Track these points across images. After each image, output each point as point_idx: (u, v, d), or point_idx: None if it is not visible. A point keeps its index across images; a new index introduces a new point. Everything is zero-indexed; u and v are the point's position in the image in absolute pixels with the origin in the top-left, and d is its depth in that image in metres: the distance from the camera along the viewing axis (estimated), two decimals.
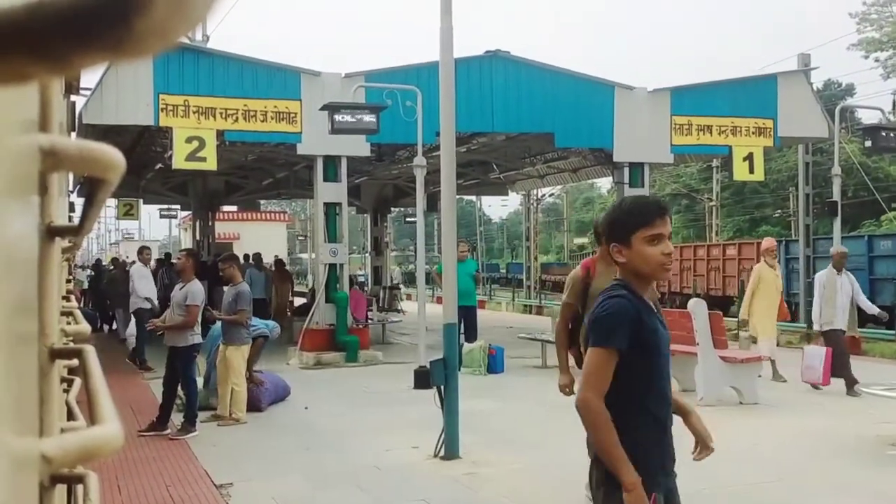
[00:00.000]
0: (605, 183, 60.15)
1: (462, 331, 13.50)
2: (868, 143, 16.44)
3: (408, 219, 33.86)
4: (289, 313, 20.27)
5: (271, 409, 10.98)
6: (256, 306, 17.68)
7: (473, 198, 50.09)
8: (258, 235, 47.46)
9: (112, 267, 25.27)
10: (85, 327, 2.00)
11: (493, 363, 14.11)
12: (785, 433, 9.22)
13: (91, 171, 0.76)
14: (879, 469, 7.76)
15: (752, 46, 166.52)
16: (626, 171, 17.97)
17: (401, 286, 33.22)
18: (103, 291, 21.93)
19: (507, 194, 34.63)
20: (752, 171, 17.81)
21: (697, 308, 11.12)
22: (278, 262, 22.88)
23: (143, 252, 15.73)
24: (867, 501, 6.88)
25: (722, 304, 24.96)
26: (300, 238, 72.59)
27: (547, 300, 36.66)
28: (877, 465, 7.92)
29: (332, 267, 15.83)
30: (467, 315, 14.11)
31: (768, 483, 7.30)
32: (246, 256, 23.02)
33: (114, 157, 0.75)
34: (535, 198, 41.04)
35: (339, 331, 15.54)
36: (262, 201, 38.84)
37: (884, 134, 16.15)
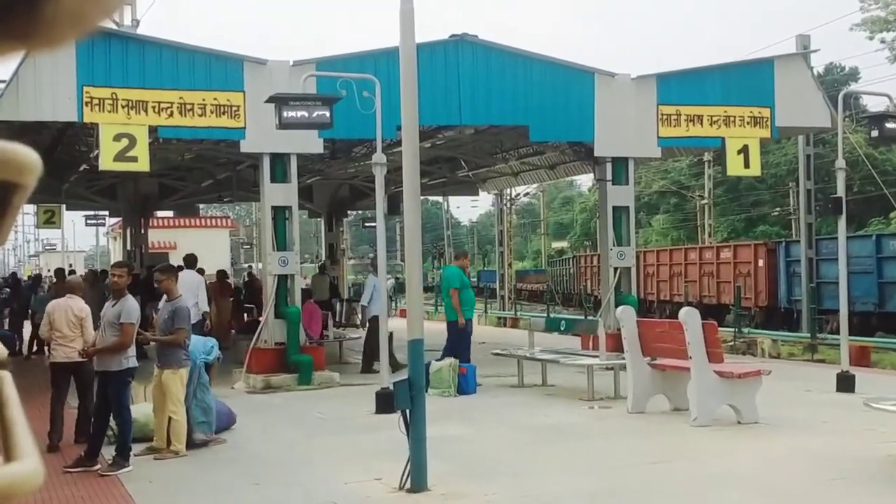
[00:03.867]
0: (585, 180, 60.75)
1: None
2: (874, 133, 16.59)
3: (367, 223, 33.74)
4: (233, 331, 20.22)
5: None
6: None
7: (440, 198, 50.13)
8: (198, 244, 46.79)
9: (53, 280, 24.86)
10: (1, 350, 1.98)
11: (464, 383, 14.12)
12: (788, 455, 9.31)
13: (4, 175, 0.75)
14: (890, 492, 7.86)
15: (746, 28, 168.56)
16: (609, 166, 18.05)
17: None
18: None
19: (477, 194, 34.69)
20: (747, 165, 17.96)
21: (690, 318, 11.15)
22: (220, 274, 22.86)
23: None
24: None
25: (717, 313, 25.15)
26: (245, 246, 72.24)
27: (522, 311, 36.71)
28: (887, 487, 8.01)
29: (281, 278, 15.77)
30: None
31: None
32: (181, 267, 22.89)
33: (30, 157, 0.74)
34: (508, 198, 41.17)
35: (291, 350, 15.46)
36: (201, 205, 38.67)
37: (891, 122, 16.35)
